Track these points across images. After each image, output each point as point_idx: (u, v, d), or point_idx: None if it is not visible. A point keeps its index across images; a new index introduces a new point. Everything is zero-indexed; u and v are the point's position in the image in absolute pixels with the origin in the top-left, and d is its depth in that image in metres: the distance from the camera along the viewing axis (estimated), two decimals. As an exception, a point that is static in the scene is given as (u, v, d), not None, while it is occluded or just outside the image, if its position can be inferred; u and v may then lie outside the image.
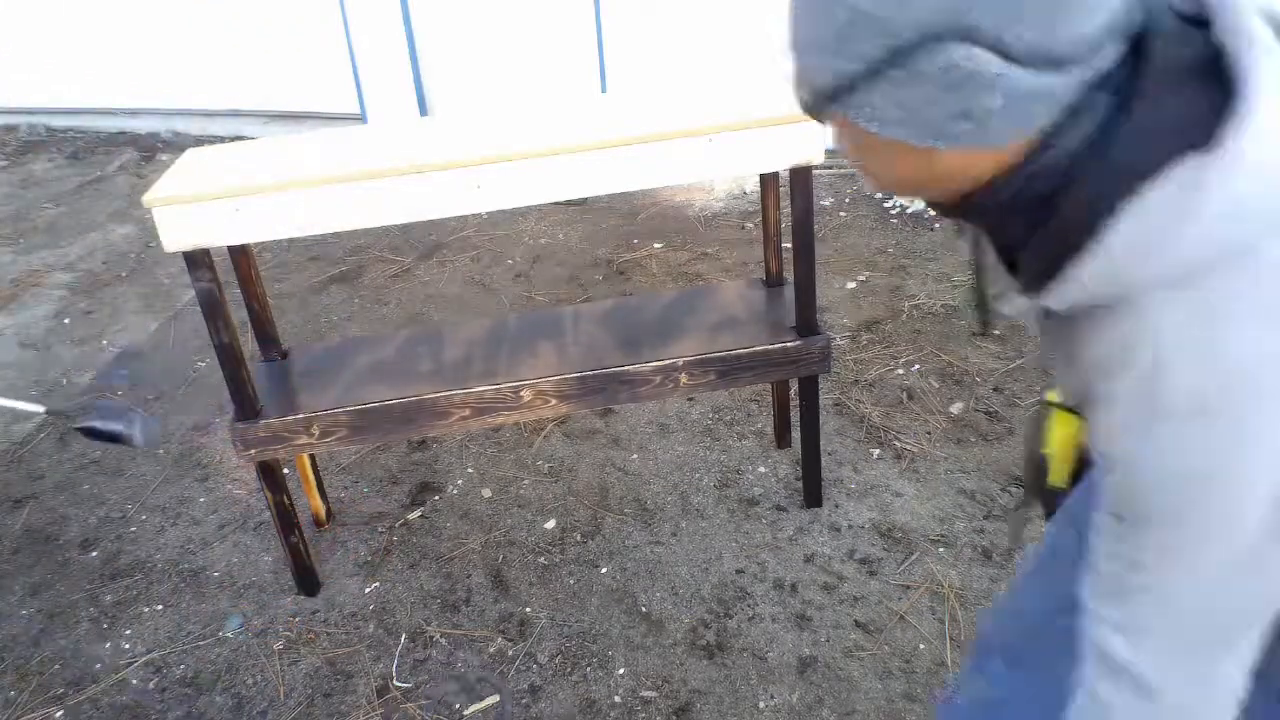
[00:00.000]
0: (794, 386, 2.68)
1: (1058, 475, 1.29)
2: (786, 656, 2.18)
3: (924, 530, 2.51)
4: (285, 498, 2.38)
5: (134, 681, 2.29)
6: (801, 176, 2.12)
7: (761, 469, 2.79)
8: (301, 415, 2.26)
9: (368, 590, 2.49)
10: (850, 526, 2.54)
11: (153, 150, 6.24)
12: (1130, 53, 0.74)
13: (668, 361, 2.30)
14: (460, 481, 2.88)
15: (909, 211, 4.39)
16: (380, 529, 2.71)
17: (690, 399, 3.13)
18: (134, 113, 6.45)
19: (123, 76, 6.30)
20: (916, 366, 3.21)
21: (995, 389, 3.06)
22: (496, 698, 2.16)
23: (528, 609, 2.39)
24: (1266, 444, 0.74)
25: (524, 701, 2.14)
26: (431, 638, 2.33)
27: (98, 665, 2.35)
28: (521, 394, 2.29)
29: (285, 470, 2.44)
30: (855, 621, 2.25)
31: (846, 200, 4.59)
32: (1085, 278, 0.77)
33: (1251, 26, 0.72)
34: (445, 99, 5.65)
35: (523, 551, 2.58)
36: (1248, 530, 0.76)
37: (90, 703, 2.24)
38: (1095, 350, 0.80)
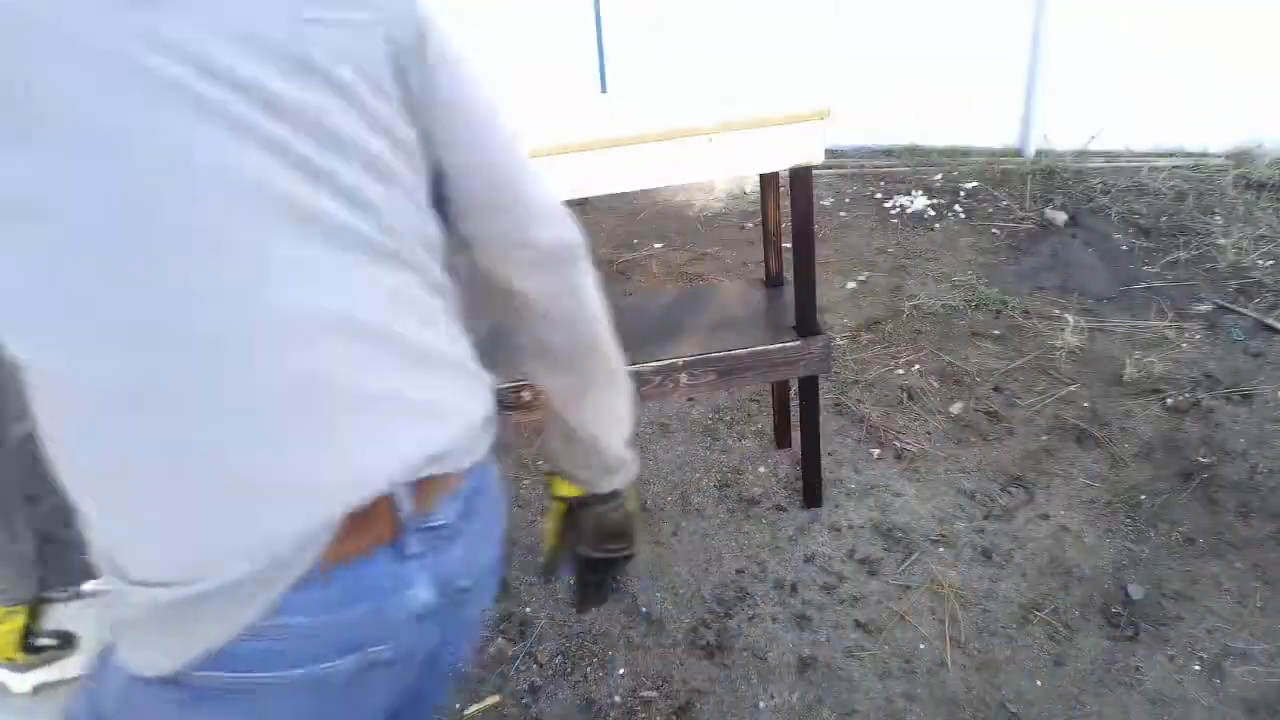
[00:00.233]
0: (794, 386, 2.68)
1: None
2: (786, 656, 2.18)
3: (924, 530, 2.51)
4: (285, 498, 2.38)
5: (134, 681, 2.29)
6: (801, 176, 2.12)
7: (761, 469, 2.79)
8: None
9: (368, 590, 2.49)
10: (850, 526, 2.54)
11: (153, 150, 6.24)
12: None
13: (668, 361, 2.30)
14: (460, 481, 2.88)
15: (909, 211, 4.39)
16: (380, 529, 2.70)
17: (690, 399, 3.13)
18: (134, 113, 6.45)
19: (123, 76, 6.30)
20: (916, 366, 3.21)
21: (995, 389, 3.06)
22: (497, 698, 2.16)
23: (528, 609, 2.39)
24: None
25: (524, 701, 2.14)
26: (431, 638, 2.33)
27: (98, 665, 2.34)
28: (521, 394, 2.29)
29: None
30: (855, 621, 2.25)
31: (846, 200, 4.59)
32: None
33: None
34: (445, 99, 5.65)
35: (522, 551, 2.57)
36: None
37: (90, 703, 2.24)
38: None
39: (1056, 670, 2.09)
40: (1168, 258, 3.74)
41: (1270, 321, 3.26)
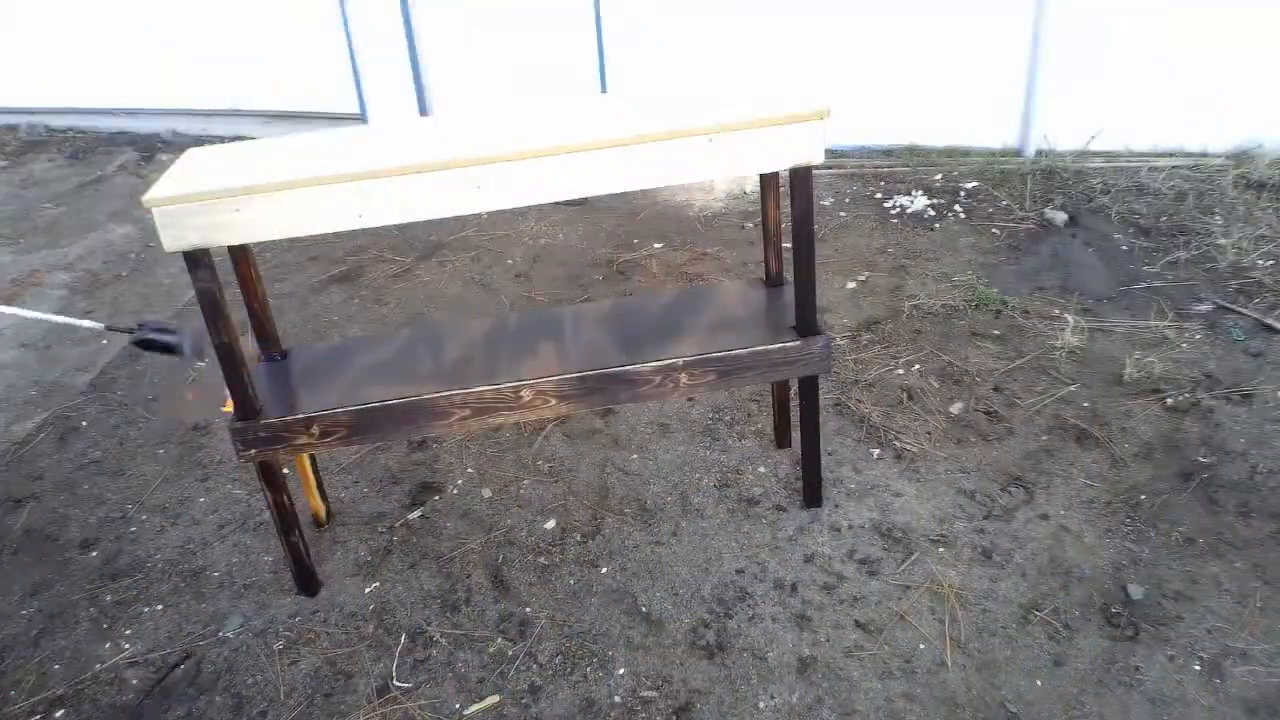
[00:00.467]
0: (794, 386, 2.68)
1: None
2: (786, 656, 2.18)
3: (924, 530, 2.51)
4: (285, 498, 2.38)
5: (134, 681, 2.29)
6: (801, 176, 2.12)
7: (761, 469, 2.79)
8: (301, 415, 2.26)
9: (368, 590, 2.49)
10: (850, 526, 2.54)
11: (153, 150, 6.24)
12: None
13: (668, 361, 2.30)
14: (460, 481, 2.88)
15: (909, 211, 4.39)
16: (380, 529, 2.71)
17: (690, 399, 3.13)
18: (134, 113, 6.45)
19: (123, 76, 6.30)
20: (916, 366, 3.21)
21: (995, 389, 3.06)
22: (497, 698, 2.16)
23: (528, 609, 2.39)
24: None
25: (524, 701, 2.14)
26: (431, 638, 2.33)
27: (98, 665, 2.35)
28: (521, 394, 2.29)
29: (285, 470, 2.44)
30: (855, 621, 2.25)
31: (846, 200, 4.59)
32: None
33: None
34: (445, 99, 5.65)
35: (523, 551, 2.58)
36: None
37: (91, 703, 2.24)
38: None
39: (1056, 670, 2.09)
40: (1168, 258, 3.74)
41: (1270, 321, 3.26)
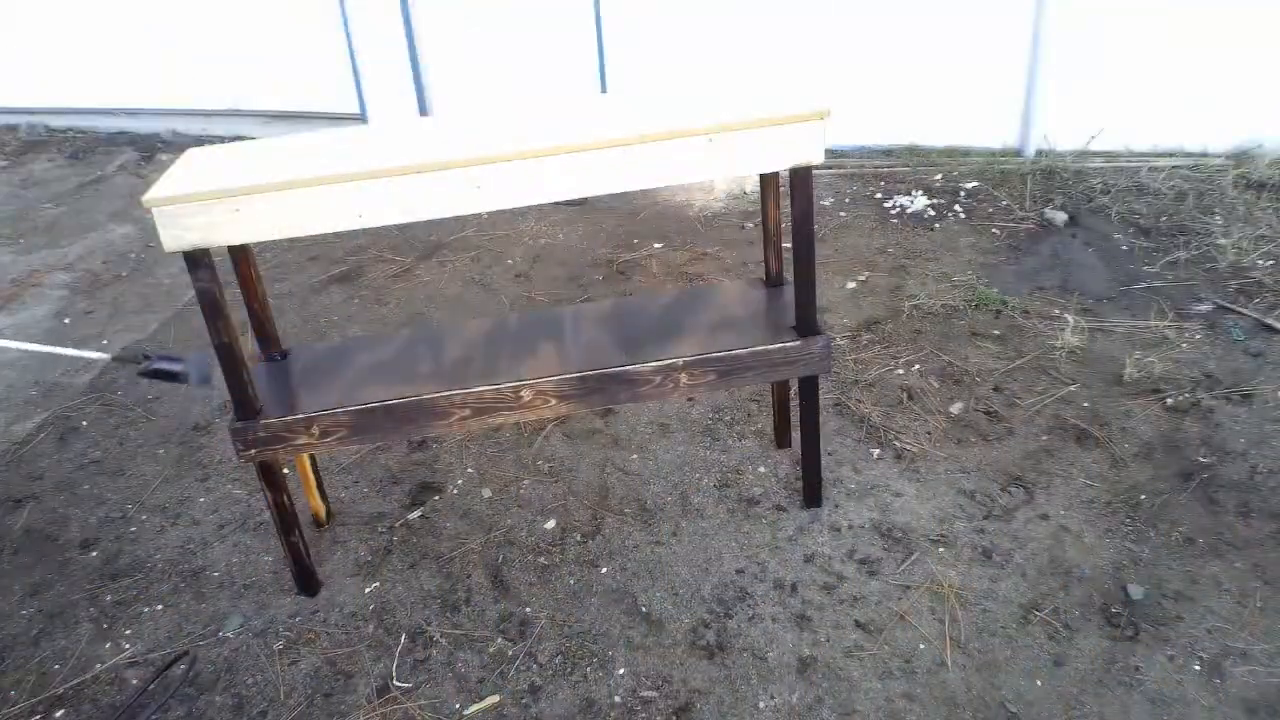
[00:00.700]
0: (794, 386, 2.68)
1: None
2: (786, 656, 2.18)
3: (924, 530, 2.51)
4: (285, 498, 2.38)
5: (134, 681, 2.29)
6: (801, 176, 2.12)
7: (761, 469, 2.79)
8: (301, 415, 2.26)
9: (368, 590, 2.49)
10: (850, 526, 2.54)
11: (153, 150, 6.24)
12: None
13: (668, 361, 2.30)
14: (460, 481, 2.88)
15: (909, 211, 4.39)
16: (380, 529, 2.71)
17: (690, 399, 3.13)
18: (134, 113, 6.44)
19: (123, 76, 6.29)
20: (916, 366, 3.21)
21: (995, 389, 3.06)
22: (496, 698, 2.16)
23: (528, 609, 2.39)
24: None
25: (524, 701, 2.14)
26: (431, 638, 2.33)
27: (98, 665, 2.35)
28: (521, 394, 2.29)
29: (285, 470, 2.44)
30: (855, 621, 2.25)
31: (846, 200, 4.59)
32: None
33: None
34: (445, 99, 5.65)
35: (523, 551, 2.58)
36: None
37: (91, 703, 2.24)
38: None
39: (1056, 670, 2.09)
40: (1168, 258, 3.74)
41: (1270, 321, 3.26)
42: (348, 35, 5.56)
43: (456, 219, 4.71)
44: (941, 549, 2.45)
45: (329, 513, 2.75)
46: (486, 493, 2.82)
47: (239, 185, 1.99)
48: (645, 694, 2.13)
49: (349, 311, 4.01)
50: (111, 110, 6.49)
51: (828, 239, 4.19)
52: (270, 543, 2.68)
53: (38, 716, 2.22)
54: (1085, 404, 2.94)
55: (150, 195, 1.99)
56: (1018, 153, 4.81)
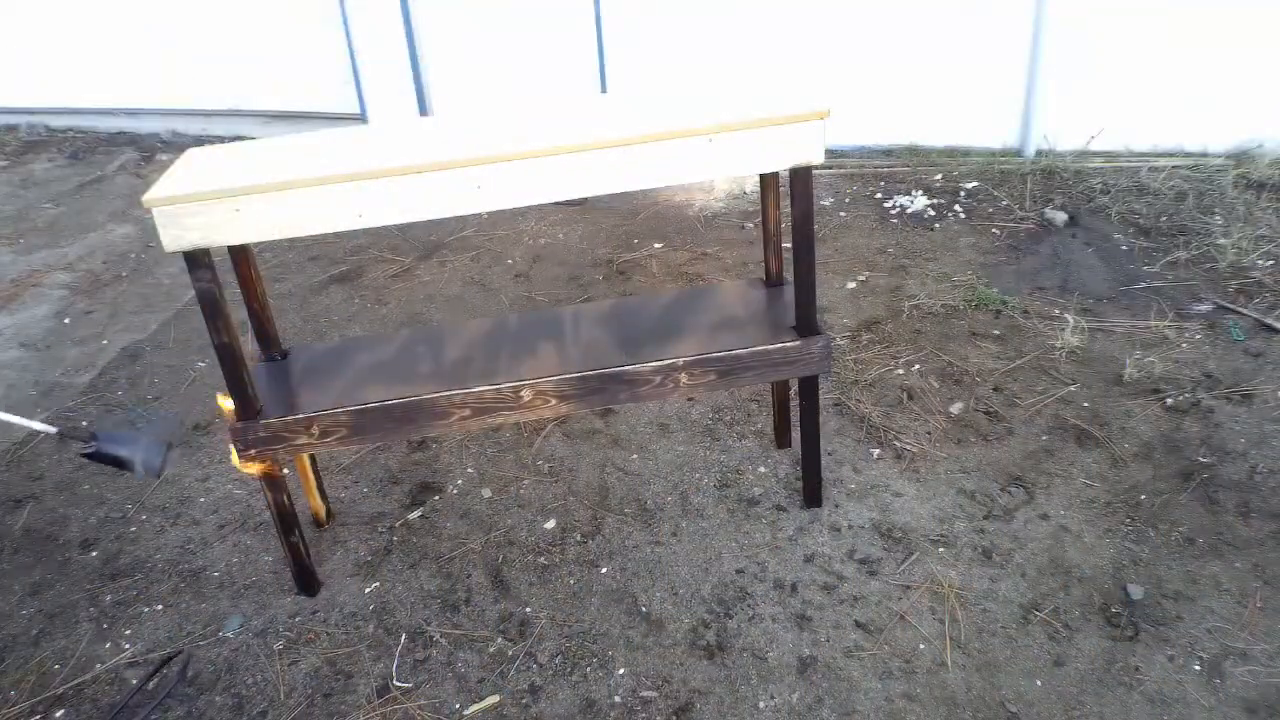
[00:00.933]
0: (794, 386, 2.68)
1: None
2: (786, 656, 2.18)
3: (924, 530, 2.51)
4: (285, 498, 2.38)
5: (133, 681, 2.29)
6: (801, 176, 2.12)
7: (761, 469, 2.79)
8: (301, 415, 2.26)
9: (368, 590, 2.49)
10: (850, 526, 2.54)
11: (153, 150, 6.24)
12: None
13: (668, 361, 2.30)
14: (460, 481, 2.88)
15: (909, 211, 4.39)
16: (380, 529, 2.71)
17: (690, 399, 3.13)
18: (134, 113, 6.45)
19: (123, 76, 6.30)
20: (916, 366, 3.21)
21: (995, 389, 3.06)
22: (497, 698, 2.16)
23: (528, 609, 2.39)
24: None
25: (524, 701, 2.14)
26: (431, 638, 2.33)
27: (98, 665, 2.35)
28: (521, 394, 2.29)
29: (285, 470, 2.44)
30: (855, 621, 2.25)
31: (846, 200, 4.59)
32: None
33: None
34: (445, 99, 5.65)
35: (523, 551, 2.58)
36: None
37: (91, 703, 2.24)
38: None
39: (1056, 670, 2.09)
40: (1168, 258, 3.74)
41: (1270, 321, 3.26)
42: (348, 35, 5.56)
43: (456, 219, 4.71)
44: (941, 549, 2.45)
45: (329, 513, 2.75)
46: (486, 493, 2.82)
47: (239, 185, 1.99)
48: (645, 694, 2.13)
49: (349, 311, 4.01)
50: (111, 110, 6.49)
51: (828, 239, 4.19)
52: (270, 543, 2.68)
53: (38, 716, 2.22)
54: (1085, 404, 2.94)
55: (150, 195, 1.99)
56: (1018, 153, 4.81)
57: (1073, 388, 3.02)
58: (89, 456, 2.37)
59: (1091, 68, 4.51)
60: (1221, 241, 3.77)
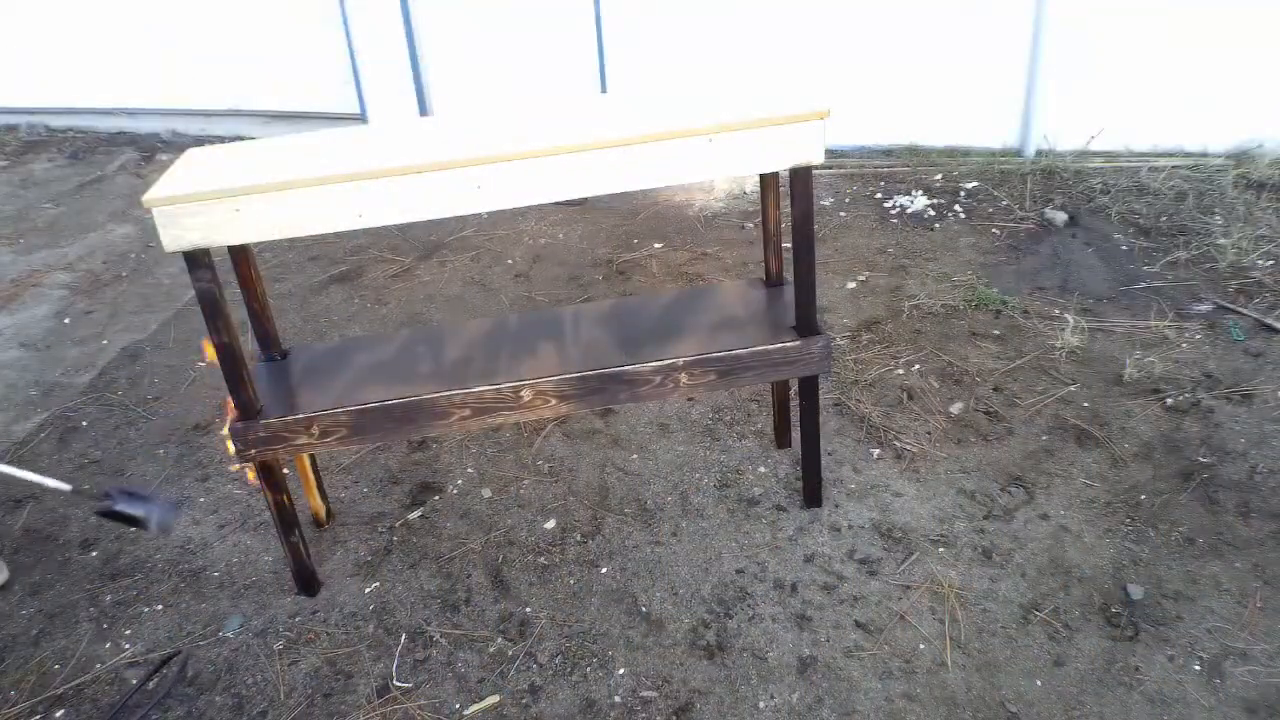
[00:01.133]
0: (794, 386, 2.68)
1: None
2: (786, 656, 2.18)
3: (924, 530, 2.51)
4: (285, 498, 2.38)
5: (133, 681, 2.29)
6: (801, 176, 2.12)
7: (761, 469, 2.79)
8: (301, 415, 2.26)
9: (368, 590, 2.49)
10: (850, 526, 2.54)
11: (153, 150, 6.24)
12: None
13: (668, 361, 2.30)
14: (460, 481, 2.88)
15: (909, 211, 4.39)
16: (380, 529, 2.71)
17: (690, 399, 3.13)
18: (134, 113, 6.45)
19: (123, 76, 6.30)
20: (916, 366, 3.21)
21: (995, 389, 3.06)
22: (497, 698, 2.16)
23: (528, 609, 2.39)
24: None
25: (524, 701, 2.14)
26: (431, 638, 2.33)
27: (98, 665, 2.35)
28: (521, 394, 2.29)
29: (285, 470, 2.44)
30: (855, 621, 2.25)
31: (846, 200, 4.59)
32: None
33: None
34: (445, 99, 5.65)
35: (523, 551, 2.58)
36: None
37: (91, 703, 2.24)
38: None
39: (1056, 670, 2.09)
40: (1168, 258, 3.74)
41: (1270, 321, 3.26)
42: (348, 35, 5.56)
43: (456, 219, 4.71)
44: (941, 549, 2.45)
45: (329, 513, 2.75)
46: (486, 493, 2.82)
47: (239, 185, 1.99)
48: (645, 694, 2.13)
49: (349, 311, 4.01)
50: (111, 110, 6.49)
51: (828, 239, 4.19)
52: (270, 543, 2.68)
53: (38, 716, 2.22)
54: (1085, 404, 2.94)
55: (150, 195, 1.99)
56: (1018, 153, 4.81)
57: (1073, 388, 3.02)
58: (103, 515, 2.36)
59: (1091, 68, 4.51)
60: (1221, 241, 3.77)
